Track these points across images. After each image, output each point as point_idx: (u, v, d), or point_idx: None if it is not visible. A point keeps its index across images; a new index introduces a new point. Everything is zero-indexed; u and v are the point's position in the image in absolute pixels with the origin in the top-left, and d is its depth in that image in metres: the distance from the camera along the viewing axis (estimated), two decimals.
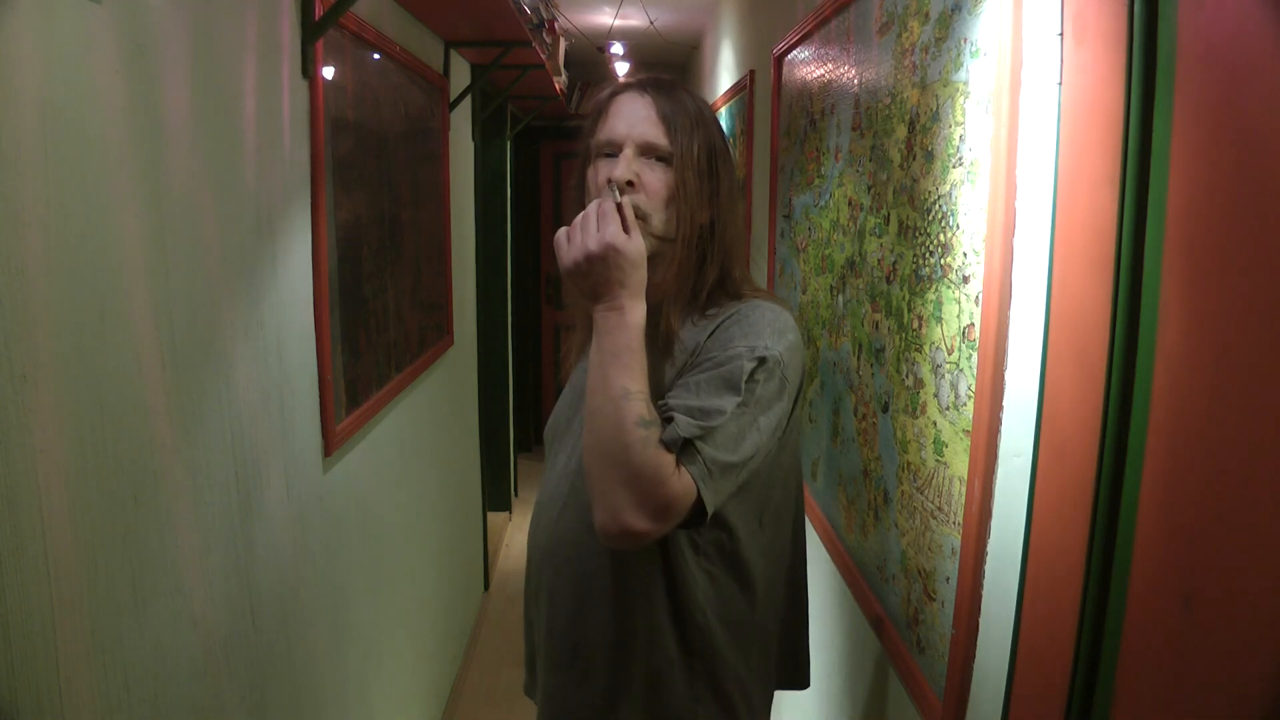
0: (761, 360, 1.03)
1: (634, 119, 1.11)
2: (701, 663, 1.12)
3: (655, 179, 1.09)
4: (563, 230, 1.04)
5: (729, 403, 1.00)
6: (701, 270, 1.14)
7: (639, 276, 1.02)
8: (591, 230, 1.01)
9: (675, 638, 1.12)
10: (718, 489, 0.99)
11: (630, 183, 1.08)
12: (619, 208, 1.03)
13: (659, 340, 1.11)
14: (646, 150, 1.10)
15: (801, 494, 1.24)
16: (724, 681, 1.13)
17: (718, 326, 1.09)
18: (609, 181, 1.08)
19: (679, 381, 1.05)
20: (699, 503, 0.97)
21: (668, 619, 1.11)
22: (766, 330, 1.06)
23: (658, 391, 1.05)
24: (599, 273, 1.00)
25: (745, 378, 1.01)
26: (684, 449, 0.97)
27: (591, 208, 1.03)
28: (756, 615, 1.15)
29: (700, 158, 1.11)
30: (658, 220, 1.09)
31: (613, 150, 1.11)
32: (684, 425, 0.97)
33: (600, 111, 1.15)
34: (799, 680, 1.30)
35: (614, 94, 1.15)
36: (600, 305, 1.01)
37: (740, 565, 1.13)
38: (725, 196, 1.15)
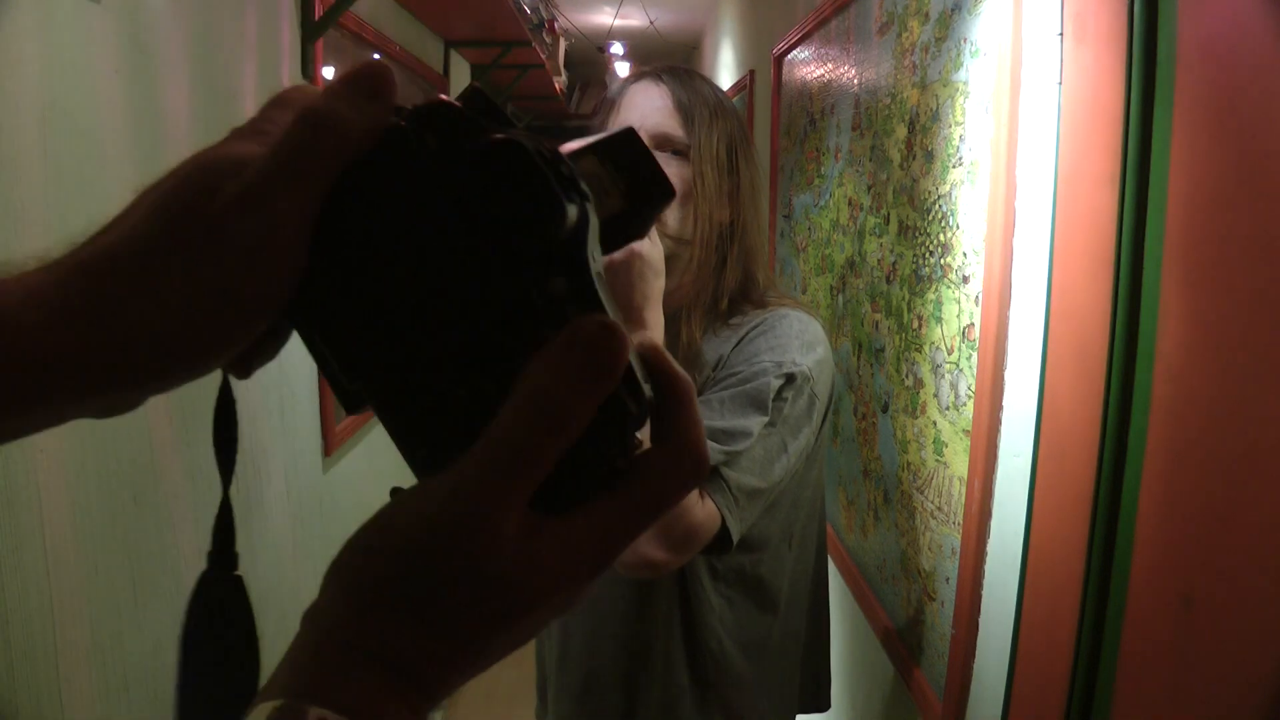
0: (789, 377, 0.96)
1: (647, 109, 1.03)
2: (715, 691, 1.07)
3: (670, 175, 1.04)
4: None
5: (755, 423, 0.93)
6: (721, 274, 1.06)
7: (659, 285, 0.94)
8: None
9: (687, 666, 1.06)
10: (743, 516, 0.93)
11: None
12: None
13: (678, 353, 1.03)
14: (661, 143, 1.02)
15: (824, 510, 1.19)
16: (739, 710, 1.08)
17: (742, 338, 1.02)
18: None
19: (701, 398, 0.98)
20: (723, 529, 0.92)
21: (681, 646, 1.06)
22: (794, 343, 0.99)
23: None
24: (621, 282, 0.92)
25: (772, 396, 0.95)
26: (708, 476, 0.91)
27: None
28: (776, 639, 1.10)
29: (719, 151, 1.03)
30: (672, 219, 1.01)
31: None
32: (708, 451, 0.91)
33: (612, 102, 1.07)
34: (820, 703, 1.22)
35: (627, 83, 1.08)
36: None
37: (762, 588, 1.07)
38: (747, 193, 1.06)
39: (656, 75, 1.06)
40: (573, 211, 0.28)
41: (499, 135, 0.28)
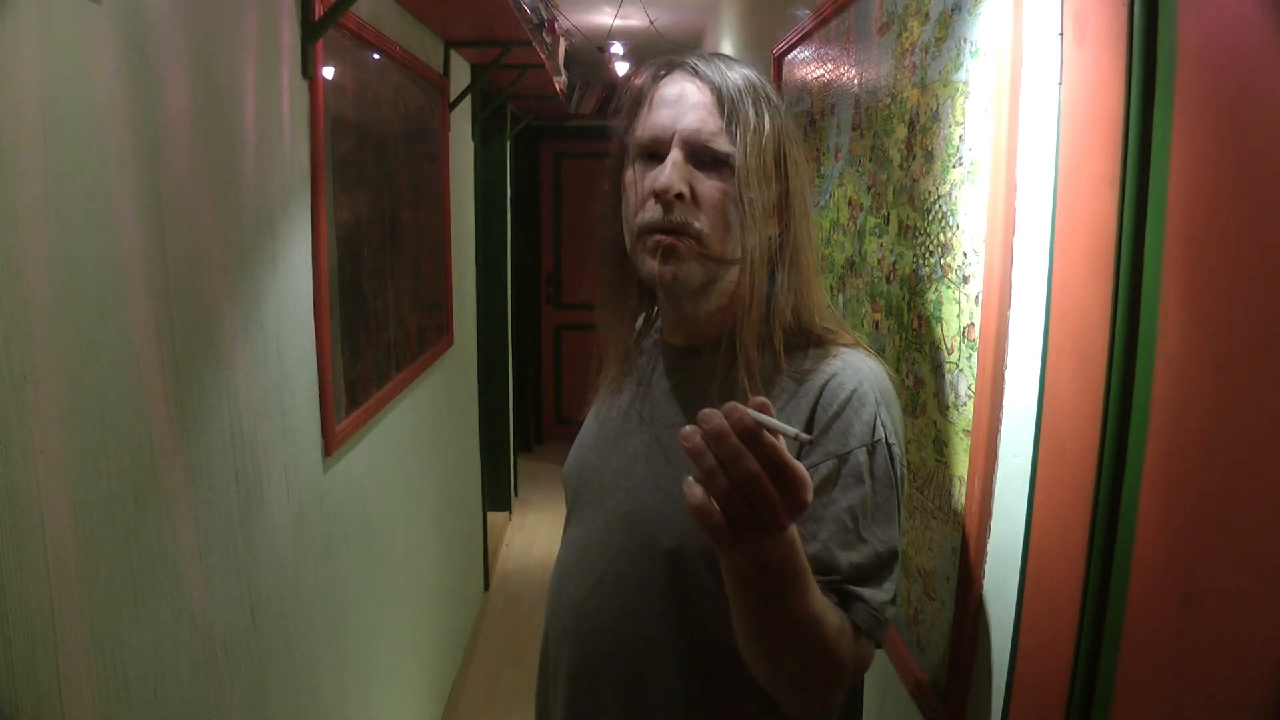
0: (892, 461, 0.86)
1: (682, 109, 0.89)
2: None
3: (712, 188, 0.88)
4: (698, 490, 0.64)
5: (895, 538, 0.86)
6: (773, 301, 0.91)
7: None
8: (776, 504, 0.64)
9: None
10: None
11: (680, 195, 0.87)
12: (771, 431, 0.63)
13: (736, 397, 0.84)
14: (699, 152, 0.88)
15: None
16: None
17: (816, 406, 0.88)
18: (654, 196, 0.88)
19: (824, 510, 0.84)
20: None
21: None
22: (880, 410, 0.87)
23: None
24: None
25: (896, 492, 0.87)
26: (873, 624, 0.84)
27: (750, 461, 0.61)
28: None
29: (767, 156, 0.89)
30: (715, 241, 0.89)
31: (657, 150, 0.90)
32: (877, 604, 0.83)
33: (640, 99, 0.93)
34: None
35: (656, 77, 0.93)
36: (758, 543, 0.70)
37: None
38: (797, 199, 0.92)
39: (692, 69, 0.91)
40: None
41: None
